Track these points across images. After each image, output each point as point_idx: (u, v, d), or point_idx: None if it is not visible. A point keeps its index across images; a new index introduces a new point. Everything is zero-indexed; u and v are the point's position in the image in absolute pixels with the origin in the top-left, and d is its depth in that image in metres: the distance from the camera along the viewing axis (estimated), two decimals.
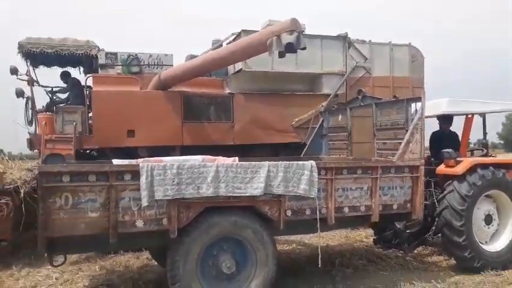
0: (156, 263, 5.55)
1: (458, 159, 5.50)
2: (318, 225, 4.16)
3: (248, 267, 4.06)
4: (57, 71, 7.96)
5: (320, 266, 4.28)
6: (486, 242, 5.53)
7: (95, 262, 5.94)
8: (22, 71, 6.91)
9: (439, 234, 5.59)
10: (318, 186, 4.13)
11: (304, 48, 5.38)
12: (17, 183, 5.96)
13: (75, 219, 3.40)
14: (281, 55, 5.44)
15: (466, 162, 5.39)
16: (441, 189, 5.51)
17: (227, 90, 7.61)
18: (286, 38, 5.16)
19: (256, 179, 3.91)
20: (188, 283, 3.79)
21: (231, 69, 7.65)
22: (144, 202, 3.54)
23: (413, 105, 5.21)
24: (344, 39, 8.16)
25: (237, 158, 5.25)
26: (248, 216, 4.02)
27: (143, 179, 3.54)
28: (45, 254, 3.74)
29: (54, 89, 7.79)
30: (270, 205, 4.04)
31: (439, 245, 6.02)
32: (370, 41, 8.58)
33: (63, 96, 7.73)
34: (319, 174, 4.16)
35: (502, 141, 52.84)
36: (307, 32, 7.06)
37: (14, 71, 6.72)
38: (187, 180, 3.69)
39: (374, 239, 6.49)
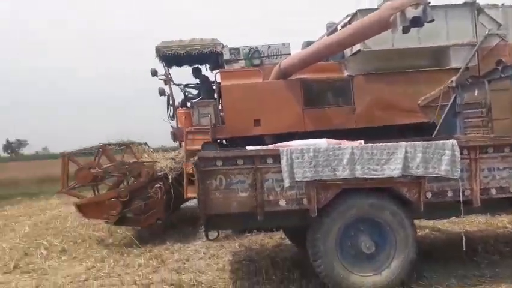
0: (290, 242, 5.92)
1: None
2: (462, 208, 3.97)
3: (387, 248, 4.07)
4: (186, 69, 8.83)
5: (464, 249, 4.09)
6: None
7: (234, 240, 6.54)
8: (160, 72, 7.88)
9: None
10: (460, 167, 3.93)
11: (432, 21, 5.10)
12: (165, 170, 6.90)
13: (228, 199, 3.82)
14: (406, 31, 5.26)
15: None
16: None
17: (345, 73, 7.56)
18: (412, 12, 4.96)
19: (393, 160, 3.89)
20: (330, 261, 3.98)
21: (347, 51, 7.56)
22: (286, 183, 3.81)
23: None
24: (471, 5, 7.42)
25: (362, 141, 5.24)
26: (386, 198, 4.03)
27: (283, 162, 3.81)
28: (202, 229, 4.26)
29: (186, 87, 8.68)
30: (409, 187, 3.98)
31: None
32: (503, 4, 7.68)
33: (194, 91, 8.57)
34: (461, 153, 3.95)
35: None
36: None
37: (154, 73, 7.67)
38: (323, 162, 3.85)
39: None
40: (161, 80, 7.90)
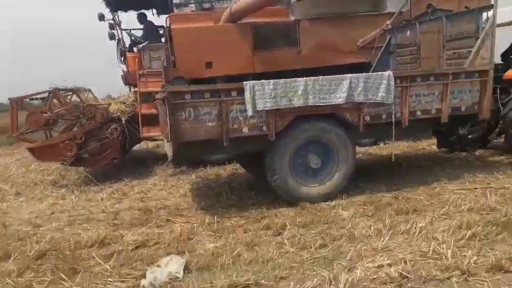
0: (243, 171, 6.55)
1: None
2: (393, 127, 4.76)
3: (331, 163, 4.83)
4: (131, 14, 8.74)
5: (393, 160, 4.95)
6: None
7: (189, 174, 7.03)
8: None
9: (503, 136, 6.00)
10: (394, 94, 4.66)
11: None
12: (118, 112, 7.08)
13: (197, 128, 4.27)
14: None
15: None
16: (508, 94, 5.81)
17: (292, 17, 7.97)
18: None
19: (339, 89, 4.53)
20: (284, 176, 4.65)
21: None
22: (249, 112, 4.33)
23: (484, 14, 5.39)
24: None
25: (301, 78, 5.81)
26: (332, 122, 4.71)
27: (247, 94, 4.29)
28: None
29: (131, 31, 8.61)
30: (351, 112, 4.68)
31: (500, 148, 6.42)
32: None
33: (139, 35, 8.57)
34: (395, 83, 4.67)
35: None
36: None
37: (101, 17, 7.58)
38: (281, 93, 4.39)
39: (437, 144, 7.00)
40: (110, 23, 7.82)
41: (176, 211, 4.96)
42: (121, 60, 7.95)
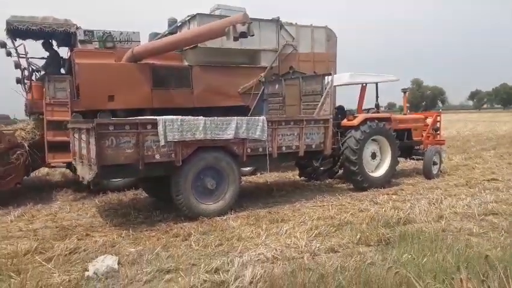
0: (144, 196, 7.53)
1: (355, 115, 8.12)
2: (267, 157, 6.47)
3: (223, 185, 6.25)
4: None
5: (267, 183, 6.62)
6: (372, 171, 8.26)
7: (92, 199, 7.67)
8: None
9: (342, 168, 8.27)
10: (267, 133, 6.39)
11: (253, 35, 7.44)
12: (24, 139, 7.41)
13: (118, 153, 5.26)
14: (235, 40, 7.45)
15: (360, 117, 8.01)
16: (345, 137, 8.13)
17: (185, 63, 9.40)
18: (240, 28, 7.16)
19: (229, 128, 6.04)
20: (187, 195, 5.89)
21: None
22: (161, 142, 5.50)
23: (326, 78, 7.65)
24: (276, 22, 10.29)
25: (201, 117, 7.26)
26: (223, 152, 6.18)
27: (160, 128, 5.48)
28: (89, 179, 5.50)
29: (29, 59, 8.91)
30: (237, 145, 6.23)
31: (342, 178, 8.77)
32: (296, 23, 10.82)
33: (39, 64, 8.93)
34: (268, 125, 6.41)
35: (408, 104, 60.58)
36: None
37: (3, 45, 7.85)
38: (186, 128, 5.70)
39: (298, 174, 9.08)
40: (8, 51, 8.07)
41: (91, 228, 5.73)
42: (24, 89, 8.21)
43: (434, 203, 6.61)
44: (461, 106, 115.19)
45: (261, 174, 9.91)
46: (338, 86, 8.52)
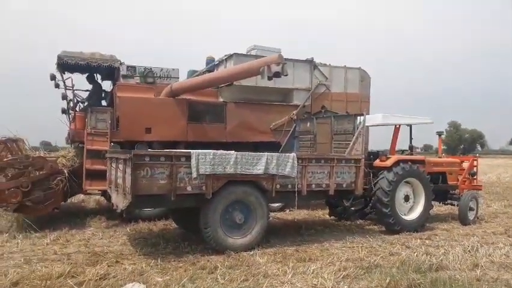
0: (173, 226, 7.65)
1: (388, 156, 8.05)
2: (296, 194, 6.48)
3: (251, 220, 6.28)
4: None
5: (296, 220, 6.57)
6: (405, 214, 8.04)
7: (123, 227, 7.86)
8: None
9: (374, 209, 8.10)
10: (297, 170, 6.43)
11: (286, 75, 7.68)
12: (64, 166, 7.82)
13: (151, 184, 5.45)
14: (269, 79, 7.71)
15: (393, 158, 7.92)
16: (377, 178, 8.02)
17: (220, 99, 9.74)
18: (275, 68, 7.43)
19: (259, 163, 6.15)
20: (215, 228, 5.96)
21: None
22: (193, 175, 5.66)
23: (358, 118, 7.70)
24: (310, 62, 10.56)
25: (233, 151, 7.41)
26: (253, 187, 6.25)
27: (193, 160, 5.66)
28: (122, 208, 5.68)
29: (75, 91, 9.53)
30: (267, 181, 6.30)
31: (374, 220, 8.57)
32: (330, 64, 11.04)
33: (83, 96, 9.53)
34: (298, 162, 6.46)
35: (445, 147, 59.25)
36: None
37: (53, 77, 8.48)
38: (218, 162, 5.85)
39: (328, 213, 8.95)
40: (56, 83, 8.68)
41: (121, 255, 5.86)
42: (68, 118, 8.76)
43: (469, 251, 6.32)
44: (502, 151, 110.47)
45: (289, 211, 9.85)
46: (370, 126, 8.52)
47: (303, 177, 6.57)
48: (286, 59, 9.91)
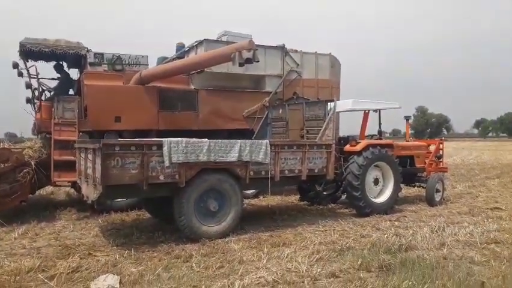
0: (146, 217, 7.57)
1: (358, 141, 8.21)
2: (269, 180, 6.54)
3: (226, 207, 6.30)
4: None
5: (270, 206, 6.64)
6: (374, 197, 8.26)
7: (95, 219, 7.71)
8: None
9: (345, 193, 8.29)
10: (270, 156, 6.47)
11: (258, 61, 7.65)
12: (31, 157, 7.55)
13: (123, 174, 5.35)
14: (241, 65, 7.66)
15: (363, 143, 8.09)
16: (347, 162, 8.19)
17: (192, 86, 9.61)
18: (246, 54, 7.38)
19: (233, 151, 6.14)
20: (189, 217, 5.94)
21: None
22: (166, 164, 5.59)
23: (329, 104, 7.79)
24: (282, 48, 10.54)
25: (206, 139, 7.37)
26: (226, 175, 6.25)
27: (165, 149, 5.58)
28: (93, 199, 5.57)
29: (40, 80, 9.16)
30: (241, 168, 6.31)
31: (345, 203, 8.77)
32: (301, 50, 11.06)
33: (50, 85, 9.18)
34: (271, 149, 6.50)
35: (412, 131, 61.20)
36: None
37: (15, 66, 8.11)
38: (191, 150, 5.80)
39: (299, 198, 9.09)
40: (19, 71, 8.33)
41: (94, 247, 5.75)
42: (34, 108, 8.41)
43: (436, 231, 6.58)
44: (466, 134, 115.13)
45: (263, 197, 9.93)
46: (340, 112, 8.65)
47: (276, 164, 6.63)
48: (257, 45, 9.94)
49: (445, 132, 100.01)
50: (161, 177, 5.65)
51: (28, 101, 8.82)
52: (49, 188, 10.14)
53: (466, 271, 4.59)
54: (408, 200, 9.89)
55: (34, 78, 8.78)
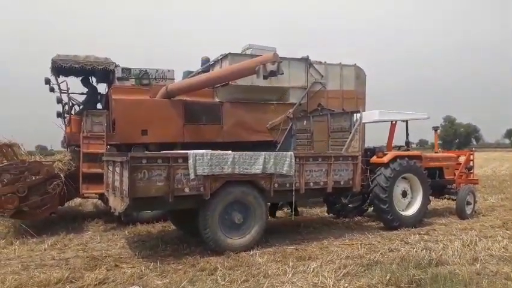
0: (172, 228, 7.61)
1: (385, 152, 8.05)
2: (294, 194, 6.47)
3: (250, 220, 6.26)
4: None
5: (293, 219, 6.56)
6: (402, 210, 8.04)
7: (121, 230, 7.82)
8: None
9: (372, 206, 8.10)
10: (294, 168, 6.42)
11: (282, 74, 7.66)
12: (61, 170, 7.77)
13: (149, 186, 5.42)
14: (265, 78, 7.68)
15: (390, 155, 7.92)
16: (374, 174, 8.02)
17: (216, 99, 9.71)
18: (270, 67, 7.40)
19: (257, 163, 6.12)
20: (214, 229, 5.93)
21: None
22: (191, 176, 5.63)
23: (355, 115, 7.69)
24: (306, 60, 10.52)
25: (230, 151, 7.39)
26: (251, 187, 6.23)
27: (190, 161, 5.63)
28: (120, 211, 5.66)
29: (70, 95, 9.46)
30: (265, 180, 6.28)
31: (372, 216, 8.57)
32: (325, 62, 11.01)
33: (79, 99, 9.47)
34: (295, 160, 6.45)
35: (440, 142, 59.69)
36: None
37: (47, 81, 8.43)
38: (215, 162, 5.82)
39: (327, 211, 8.95)
40: (51, 87, 8.64)
41: (120, 259, 5.81)
42: (64, 122, 8.70)
43: (468, 245, 6.33)
44: (497, 144, 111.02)
45: (288, 210, 9.81)
46: (367, 123, 8.52)
47: (301, 176, 6.56)
48: (281, 58, 9.96)
49: (474, 143, 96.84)
50: (187, 190, 5.68)
51: (59, 115, 9.12)
52: (77, 200, 10.37)
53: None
54: (437, 212, 9.58)
55: (65, 93, 9.08)
